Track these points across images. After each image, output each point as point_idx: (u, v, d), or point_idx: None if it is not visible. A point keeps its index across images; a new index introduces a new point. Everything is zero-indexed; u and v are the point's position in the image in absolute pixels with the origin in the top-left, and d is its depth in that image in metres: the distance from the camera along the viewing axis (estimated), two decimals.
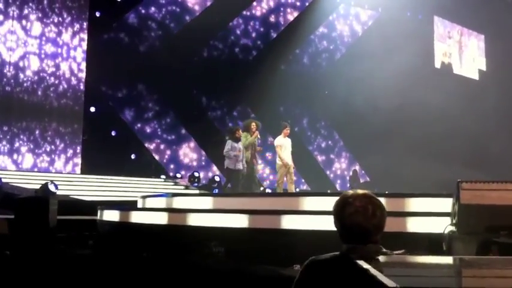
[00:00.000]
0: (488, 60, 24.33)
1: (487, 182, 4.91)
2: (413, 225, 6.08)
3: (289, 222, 6.79)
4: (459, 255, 4.61)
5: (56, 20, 15.75)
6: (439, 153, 17.17)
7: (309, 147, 21.00)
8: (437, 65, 23.09)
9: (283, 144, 11.15)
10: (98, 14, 16.44)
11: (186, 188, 15.10)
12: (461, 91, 20.55)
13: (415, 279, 2.02)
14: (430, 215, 6.23)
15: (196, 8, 18.48)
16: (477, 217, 4.79)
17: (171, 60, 16.82)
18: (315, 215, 6.81)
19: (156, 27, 17.64)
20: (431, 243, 5.59)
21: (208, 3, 18.51)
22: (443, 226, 5.11)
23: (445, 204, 5.53)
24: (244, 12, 19.52)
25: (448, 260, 2.65)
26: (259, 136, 11.77)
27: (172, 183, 15.44)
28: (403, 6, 20.81)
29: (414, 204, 6.62)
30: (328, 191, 13.60)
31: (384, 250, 2.46)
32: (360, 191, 2.53)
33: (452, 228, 5.00)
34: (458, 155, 17.21)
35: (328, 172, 21.51)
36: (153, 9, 17.67)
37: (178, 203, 8.51)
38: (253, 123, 11.88)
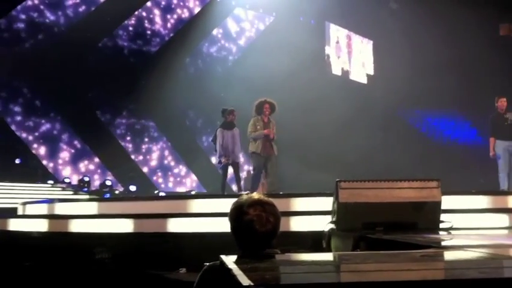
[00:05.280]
0: (375, 64, 25.46)
1: (363, 181, 5.11)
2: (297, 224, 6.20)
3: (175, 226, 6.69)
4: (337, 251, 4.74)
5: None
6: (326, 156, 17.73)
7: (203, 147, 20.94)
8: (330, 69, 23.83)
9: None
10: None
11: (75, 193, 14.55)
12: (350, 95, 21.29)
13: (271, 276, 2.02)
14: (312, 214, 6.38)
15: (85, 6, 17.87)
16: (354, 214, 4.97)
17: (58, 60, 16.15)
18: (201, 217, 6.75)
19: (42, 25, 16.89)
20: (314, 241, 5.72)
21: (101, 0, 17.95)
22: (324, 224, 5.25)
23: (327, 203, 5.67)
24: (137, 13, 19.14)
25: (314, 256, 2.71)
26: (272, 136, 8.90)
27: (60, 189, 14.82)
28: (297, 11, 21.28)
29: (298, 204, 6.74)
30: (225, 193, 13.61)
31: (280, 253, 2.52)
32: (255, 196, 2.54)
33: (332, 225, 5.15)
34: (344, 158, 17.76)
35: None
36: (39, 6, 16.90)
37: (61, 209, 8.14)
38: (267, 104, 9.07)
